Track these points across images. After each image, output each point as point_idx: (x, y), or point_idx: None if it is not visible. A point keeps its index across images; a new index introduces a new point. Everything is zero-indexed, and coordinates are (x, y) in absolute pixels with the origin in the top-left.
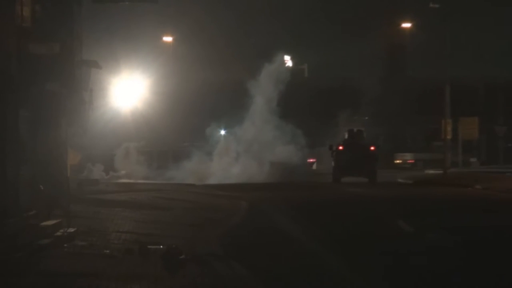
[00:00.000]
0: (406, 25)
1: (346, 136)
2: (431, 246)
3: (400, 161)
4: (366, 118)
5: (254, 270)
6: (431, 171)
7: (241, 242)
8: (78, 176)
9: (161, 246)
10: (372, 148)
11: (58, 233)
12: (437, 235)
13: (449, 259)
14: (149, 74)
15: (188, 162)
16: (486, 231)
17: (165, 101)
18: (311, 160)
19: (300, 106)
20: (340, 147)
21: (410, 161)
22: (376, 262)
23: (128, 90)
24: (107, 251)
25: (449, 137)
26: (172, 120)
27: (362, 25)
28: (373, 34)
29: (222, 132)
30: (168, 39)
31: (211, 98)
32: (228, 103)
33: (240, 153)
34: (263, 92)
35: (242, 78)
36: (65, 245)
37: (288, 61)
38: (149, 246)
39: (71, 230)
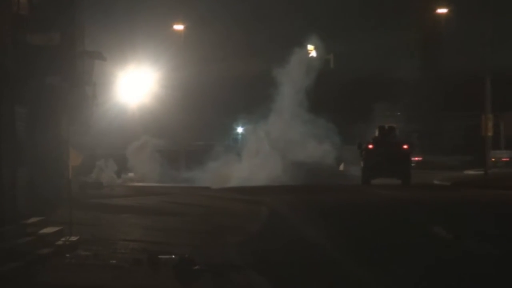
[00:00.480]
0: (442, 10)
1: (377, 133)
2: (470, 255)
3: (494, 160)
4: (399, 113)
5: (274, 281)
6: (471, 172)
7: (260, 251)
8: (84, 178)
9: (173, 256)
10: (405, 146)
11: (60, 242)
12: (478, 243)
13: (490, 270)
14: (158, 66)
15: (206, 162)
16: None
17: (175, 95)
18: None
19: (325, 100)
20: (370, 146)
21: (505, 159)
22: (409, 273)
23: (136, 84)
24: (113, 261)
25: (490, 134)
26: (183, 117)
27: (394, 11)
28: (406, 21)
29: (239, 129)
30: (179, 27)
31: (226, 93)
32: (245, 98)
33: (264, 152)
34: (290, 84)
35: (260, 70)
36: (67, 255)
37: (312, 51)
38: (159, 256)
39: (74, 238)
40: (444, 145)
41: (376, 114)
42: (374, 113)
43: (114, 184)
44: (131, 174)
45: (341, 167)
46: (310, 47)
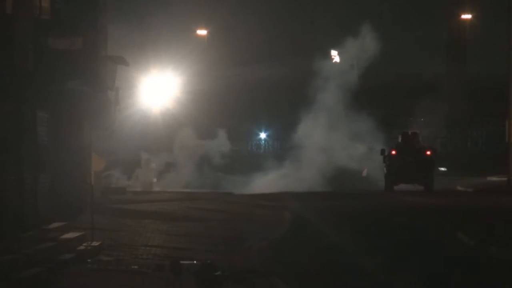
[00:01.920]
0: (466, 16)
1: (400, 139)
2: (493, 261)
3: None
4: (422, 119)
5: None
6: (494, 178)
7: (284, 257)
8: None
9: (195, 262)
10: (428, 152)
11: (81, 247)
12: (500, 250)
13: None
14: (181, 71)
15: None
16: None
17: (198, 100)
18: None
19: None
20: (393, 152)
21: None
22: (433, 278)
23: (158, 89)
24: (135, 267)
25: None
26: (206, 121)
27: (418, 17)
28: (430, 27)
29: (263, 134)
30: (202, 32)
31: (249, 98)
32: (269, 102)
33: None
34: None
35: (285, 75)
36: (89, 260)
37: (335, 56)
38: (181, 262)
39: (96, 243)
40: (468, 151)
41: (400, 119)
42: (397, 118)
43: (137, 189)
44: (154, 179)
45: (364, 173)
46: (333, 52)
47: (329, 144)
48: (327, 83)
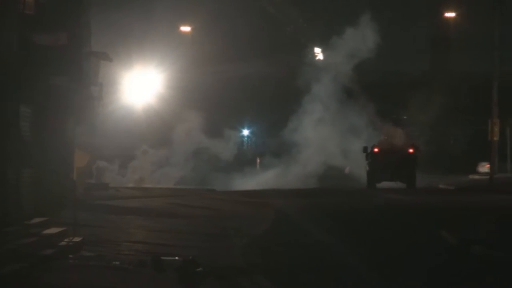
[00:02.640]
0: (450, 14)
1: (382, 137)
2: (477, 260)
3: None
4: (405, 117)
5: (280, 285)
6: (476, 177)
7: (266, 254)
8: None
9: (177, 258)
10: (410, 150)
11: (63, 243)
12: (482, 248)
13: (498, 275)
14: (164, 67)
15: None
16: None
17: (181, 96)
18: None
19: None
20: (375, 149)
21: None
22: (416, 277)
23: (142, 85)
24: (117, 263)
25: (496, 138)
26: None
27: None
28: (414, 25)
29: (245, 131)
30: (186, 29)
31: (232, 95)
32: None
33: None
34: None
35: (268, 72)
36: (71, 256)
37: (319, 54)
38: (163, 258)
39: (78, 239)
40: (451, 150)
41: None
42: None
43: (120, 185)
44: (137, 177)
45: (347, 170)
46: (317, 50)
47: (315, 142)
48: (313, 80)
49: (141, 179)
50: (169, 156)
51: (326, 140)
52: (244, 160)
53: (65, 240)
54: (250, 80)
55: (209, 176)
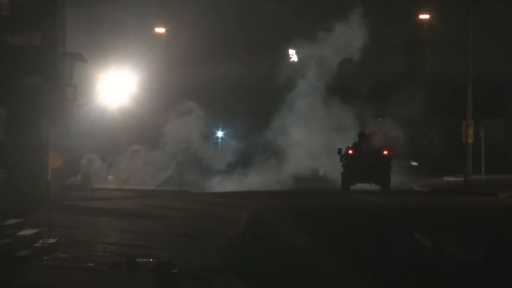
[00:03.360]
0: (425, 16)
1: (357, 139)
2: (451, 262)
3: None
4: (380, 119)
5: (255, 286)
6: (451, 178)
7: (241, 256)
8: (65, 180)
9: (151, 260)
10: (385, 152)
11: (38, 244)
12: (458, 250)
13: (472, 278)
14: (139, 68)
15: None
16: None
17: (156, 98)
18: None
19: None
20: (350, 151)
21: None
22: (390, 278)
23: (117, 86)
24: (92, 264)
25: (470, 140)
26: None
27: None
28: (389, 26)
29: (219, 133)
30: (160, 30)
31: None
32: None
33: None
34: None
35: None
36: (45, 257)
37: (293, 55)
38: (138, 259)
39: (52, 240)
40: (425, 151)
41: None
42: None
43: (95, 186)
44: (110, 177)
45: (321, 172)
46: (291, 51)
47: (290, 144)
48: (288, 82)
49: (124, 180)
50: (152, 157)
51: (301, 142)
52: (220, 162)
53: (40, 241)
54: (225, 82)
55: (188, 177)
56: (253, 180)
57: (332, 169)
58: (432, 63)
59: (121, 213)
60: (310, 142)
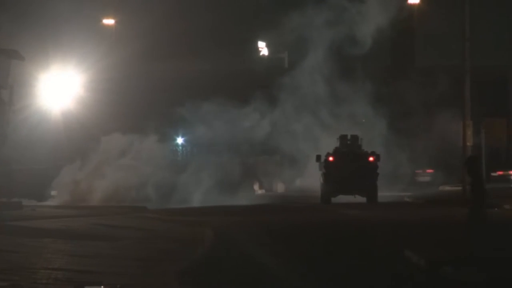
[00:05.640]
0: (414, 1)
1: (338, 143)
2: (448, 283)
3: None
4: (364, 120)
5: None
6: (447, 188)
7: (205, 281)
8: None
9: (102, 287)
10: (371, 158)
11: None
12: (456, 270)
13: None
14: (85, 66)
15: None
16: None
17: (104, 100)
18: None
19: (279, 104)
20: (330, 158)
21: None
22: None
23: (60, 87)
24: None
25: (469, 143)
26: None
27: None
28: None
29: (179, 139)
30: (109, 21)
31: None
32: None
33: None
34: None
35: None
36: None
37: (263, 48)
38: (86, 287)
39: None
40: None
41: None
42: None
43: (36, 204)
44: (54, 193)
45: (298, 182)
46: (261, 44)
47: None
48: (258, 79)
49: (71, 196)
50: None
51: (274, 147)
52: (179, 172)
53: None
54: (185, 81)
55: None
56: (220, 193)
57: (310, 178)
58: (423, 58)
59: (67, 234)
60: (283, 147)
